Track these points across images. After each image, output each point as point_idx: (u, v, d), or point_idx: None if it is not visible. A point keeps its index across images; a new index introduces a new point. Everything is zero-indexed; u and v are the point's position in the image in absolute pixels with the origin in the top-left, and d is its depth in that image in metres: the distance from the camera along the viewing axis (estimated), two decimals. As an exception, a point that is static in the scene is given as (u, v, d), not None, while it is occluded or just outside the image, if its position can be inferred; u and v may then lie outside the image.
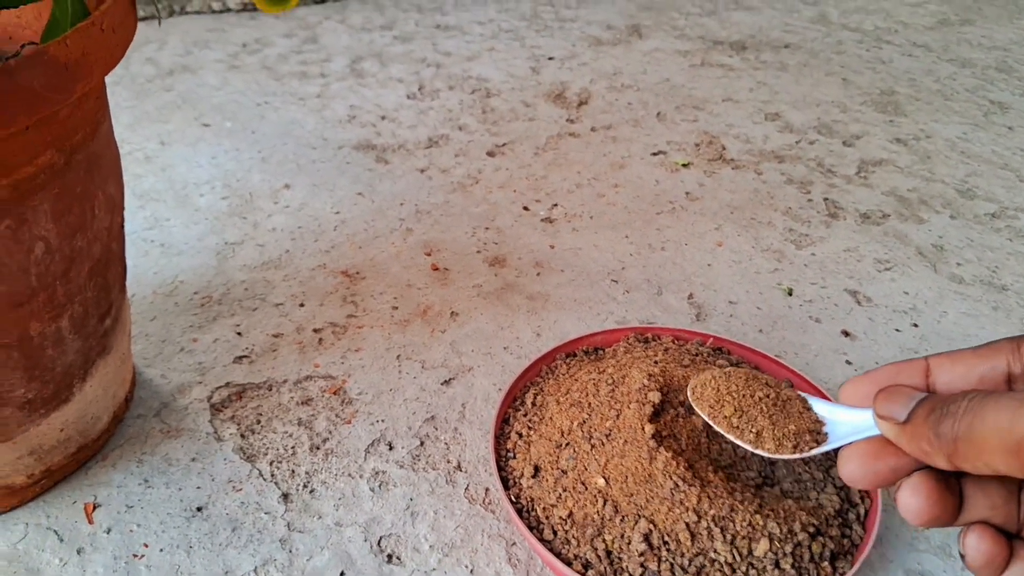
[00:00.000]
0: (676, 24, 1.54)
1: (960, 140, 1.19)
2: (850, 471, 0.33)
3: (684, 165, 1.09)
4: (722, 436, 0.59)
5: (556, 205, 0.99)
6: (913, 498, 0.31)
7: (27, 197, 0.48)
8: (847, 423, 0.35)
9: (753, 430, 0.37)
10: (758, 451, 0.36)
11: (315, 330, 0.77)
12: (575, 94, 1.26)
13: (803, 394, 0.38)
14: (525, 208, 0.98)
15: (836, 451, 0.35)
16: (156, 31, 1.39)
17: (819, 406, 0.37)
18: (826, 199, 1.02)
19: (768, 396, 0.38)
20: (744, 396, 0.38)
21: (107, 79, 1.21)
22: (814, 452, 0.36)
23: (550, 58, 1.37)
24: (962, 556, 0.31)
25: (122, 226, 0.62)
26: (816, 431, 0.36)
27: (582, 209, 0.98)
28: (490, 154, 1.09)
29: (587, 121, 1.19)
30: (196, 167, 1.01)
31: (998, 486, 0.31)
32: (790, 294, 0.85)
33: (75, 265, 0.54)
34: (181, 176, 0.99)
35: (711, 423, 0.38)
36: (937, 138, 1.19)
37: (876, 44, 1.54)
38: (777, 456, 0.36)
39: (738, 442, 0.37)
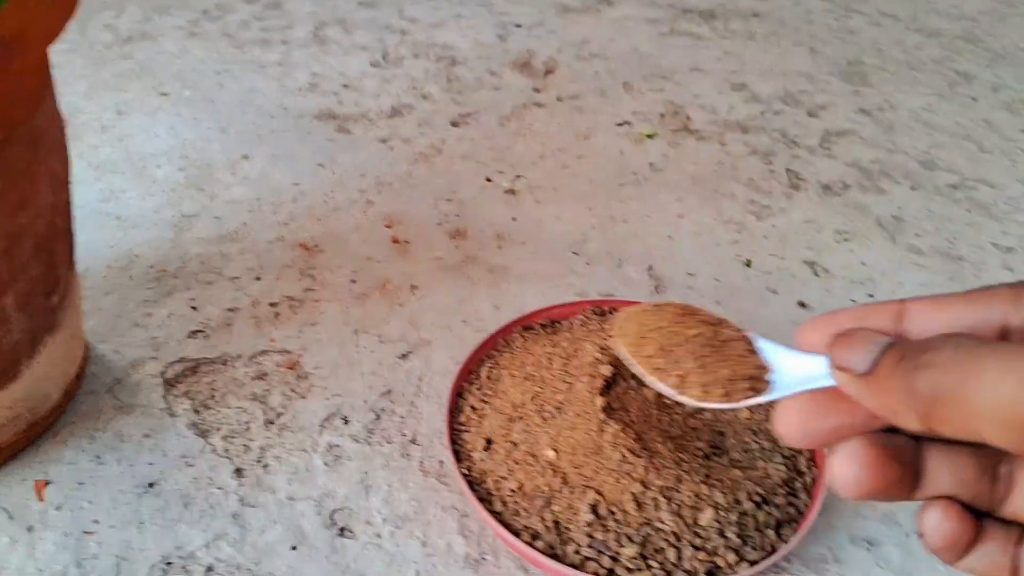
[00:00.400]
0: (645, -8, 1.52)
1: (924, 111, 1.20)
2: (784, 427, 0.28)
3: (649, 136, 1.08)
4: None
5: (520, 176, 0.98)
6: (849, 466, 0.26)
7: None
8: (797, 371, 0.30)
9: (677, 373, 0.31)
10: (682, 397, 0.31)
11: (271, 304, 0.76)
12: (542, 63, 1.25)
13: (753, 335, 0.33)
14: (488, 179, 0.97)
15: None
16: (115, -3, 1.36)
17: (769, 350, 0.32)
18: (788, 170, 1.02)
19: (702, 334, 0.32)
20: (673, 333, 0.32)
21: (62, 47, 1.19)
22: (749, 403, 0.30)
23: (517, 25, 1.36)
24: (920, 535, 0.26)
25: (69, 202, 0.61)
26: (757, 378, 0.31)
27: (546, 180, 0.98)
28: (454, 124, 1.08)
29: (553, 91, 1.18)
30: (154, 137, 0.99)
31: (971, 457, 0.26)
32: (748, 265, 0.85)
33: (18, 243, 0.53)
34: (138, 147, 0.97)
35: (631, 363, 0.32)
36: (901, 109, 1.20)
37: (845, 13, 1.54)
38: (704, 404, 0.30)
39: (659, 386, 0.31)
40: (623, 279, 0.82)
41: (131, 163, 0.94)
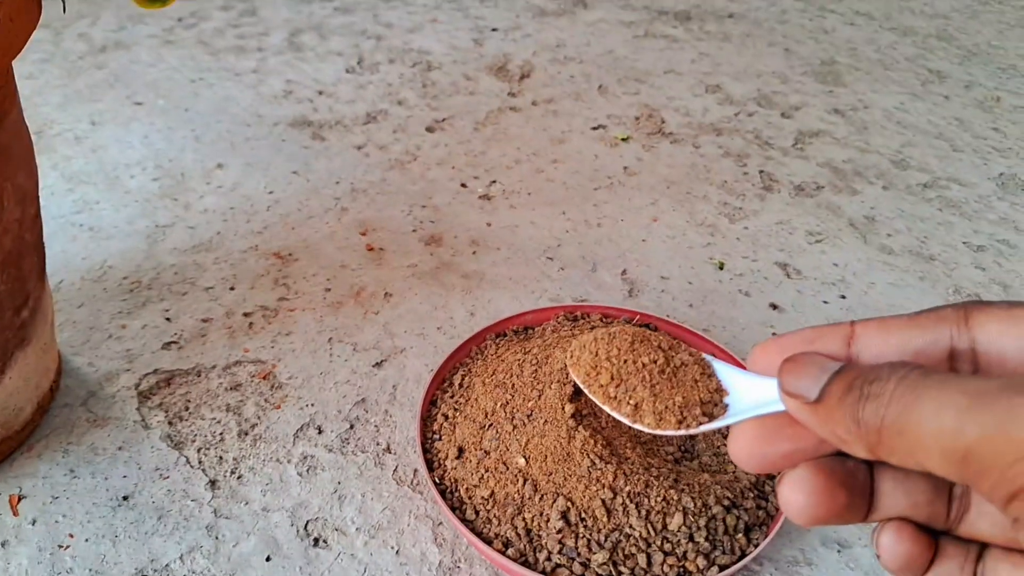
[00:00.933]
0: (621, -6, 1.53)
1: (897, 110, 1.21)
2: (736, 452, 0.28)
3: (623, 139, 1.09)
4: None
5: (494, 182, 0.99)
6: (796, 494, 0.26)
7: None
8: (751, 394, 0.30)
9: (631, 401, 0.31)
10: (636, 426, 0.31)
11: (245, 314, 0.76)
12: (517, 67, 1.26)
13: (710, 358, 0.33)
14: (463, 185, 0.97)
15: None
16: (90, 6, 1.36)
17: (726, 373, 0.32)
18: (761, 172, 1.03)
19: (654, 361, 0.32)
20: (625, 361, 0.32)
21: (36, 56, 1.18)
22: (703, 429, 0.30)
23: (493, 29, 1.36)
24: (877, 556, 0.27)
25: (37, 216, 0.61)
26: (713, 403, 0.31)
27: (520, 185, 0.98)
28: (429, 129, 1.08)
29: (528, 95, 1.19)
30: (127, 147, 0.99)
31: (924, 480, 0.26)
32: (721, 268, 0.86)
33: (-17, 258, 0.53)
34: (112, 157, 0.97)
35: (587, 392, 0.32)
36: (874, 108, 1.21)
37: (819, 13, 1.55)
38: (658, 432, 0.31)
39: (615, 415, 0.31)
40: (597, 283, 0.83)
41: (105, 174, 0.94)
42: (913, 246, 0.92)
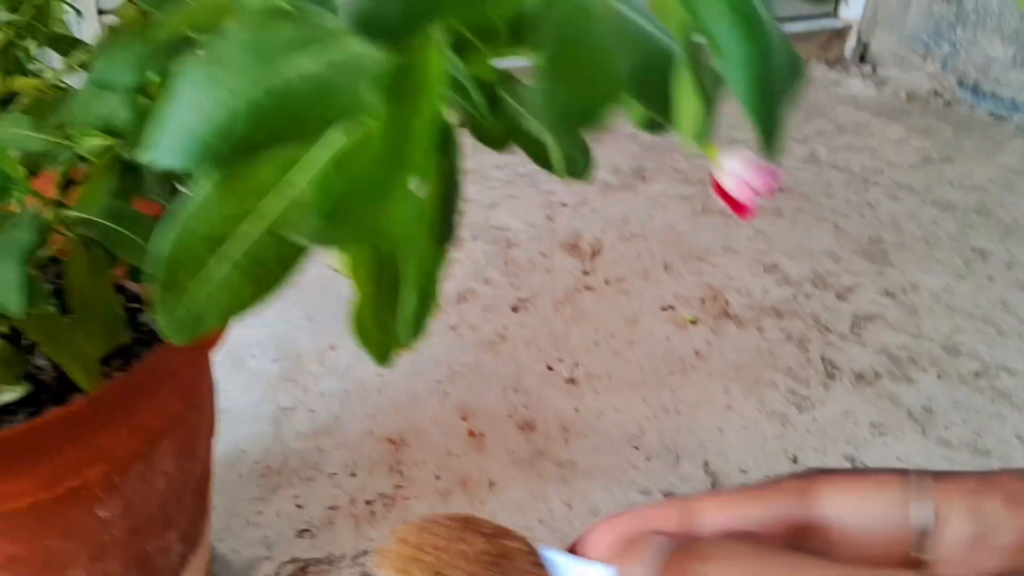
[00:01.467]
0: (678, 166, 1.66)
1: (944, 292, 1.30)
2: None
3: (692, 322, 1.18)
4: None
5: (577, 364, 1.08)
6: None
7: (155, 444, 0.56)
8: None
9: None
10: None
11: (367, 501, 0.85)
12: (588, 244, 1.37)
13: (539, 546, 0.31)
14: (549, 368, 1.07)
15: None
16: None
17: (556, 562, 0.30)
18: (823, 358, 1.12)
19: (484, 552, 0.31)
20: (449, 554, 0.31)
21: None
22: None
23: (563, 204, 1.49)
24: None
25: (214, 439, 0.70)
26: None
27: (601, 368, 1.07)
28: (514, 309, 1.18)
29: (600, 272, 1.29)
30: (247, 327, 1.10)
31: None
32: (795, 462, 0.93)
33: (185, 490, 0.62)
34: (234, 338, 1.07)
35: None
36: (923, 290, 1.30)
37: (863, 186, 1.67)
38: None
39: None
40: (681, 476, 0.91)
41: (230, 355, 1.04)
42: (969, 439, 0.99)
